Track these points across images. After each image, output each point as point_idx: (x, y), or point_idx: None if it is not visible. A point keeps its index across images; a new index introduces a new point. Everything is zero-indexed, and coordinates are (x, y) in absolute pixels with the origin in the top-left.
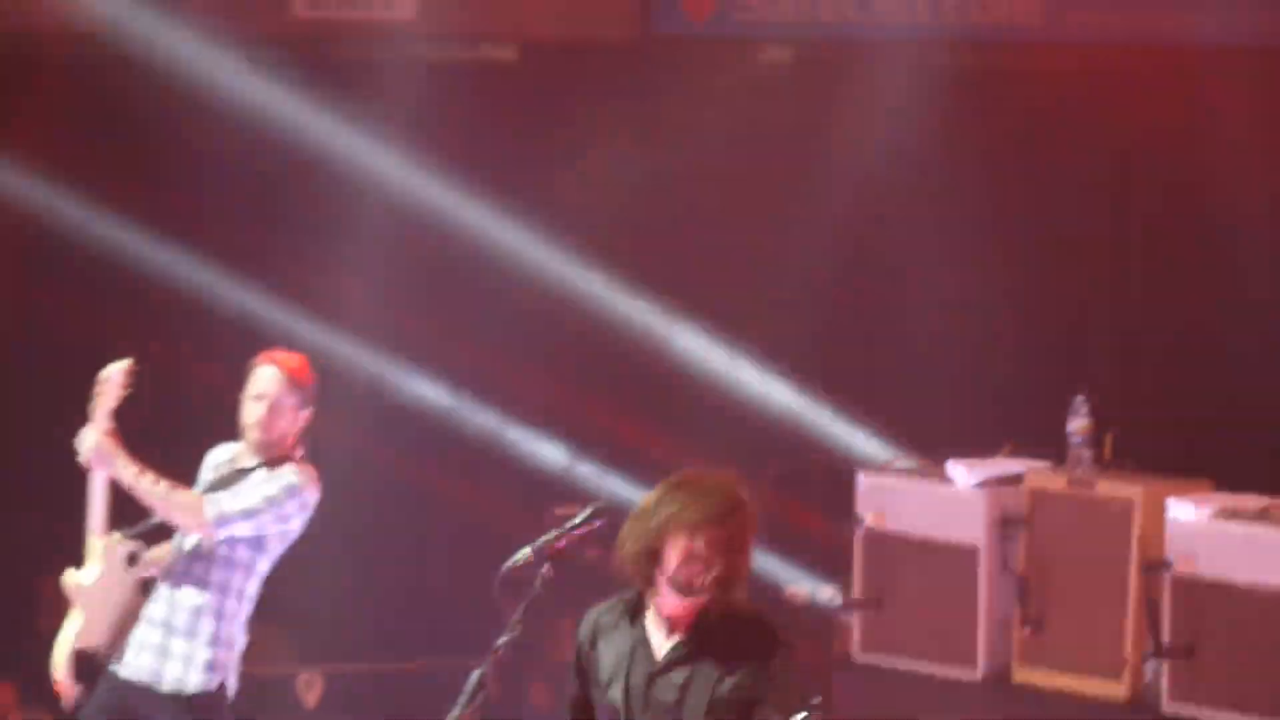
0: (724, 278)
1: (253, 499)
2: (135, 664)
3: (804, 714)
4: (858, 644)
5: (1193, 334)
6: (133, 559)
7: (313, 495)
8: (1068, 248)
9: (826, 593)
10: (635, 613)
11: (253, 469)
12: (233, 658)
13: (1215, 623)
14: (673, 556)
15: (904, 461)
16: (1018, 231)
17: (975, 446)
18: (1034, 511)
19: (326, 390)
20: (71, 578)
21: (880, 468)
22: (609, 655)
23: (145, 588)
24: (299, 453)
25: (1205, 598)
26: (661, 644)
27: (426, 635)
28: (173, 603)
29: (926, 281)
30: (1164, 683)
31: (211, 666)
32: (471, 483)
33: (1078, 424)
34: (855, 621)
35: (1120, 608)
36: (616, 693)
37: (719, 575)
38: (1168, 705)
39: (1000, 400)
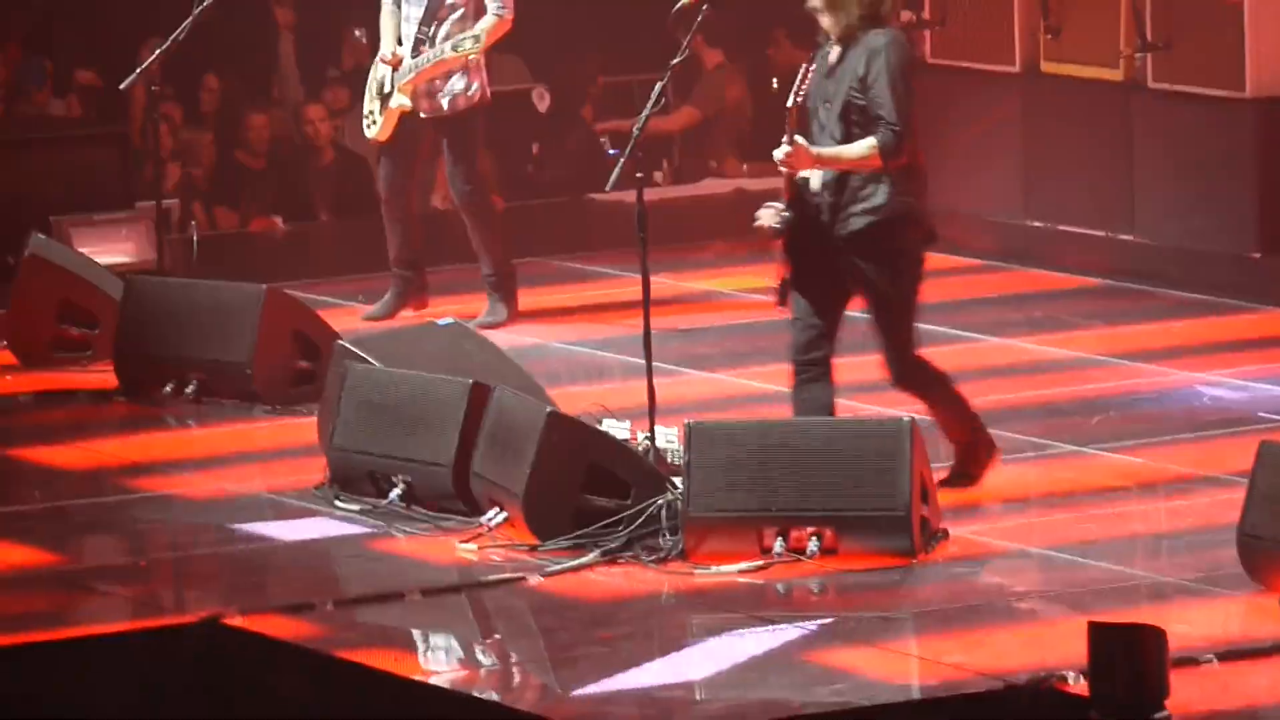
0: None
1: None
2: None
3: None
4: (929, 52)
5: None
6: None
7: None
8: None
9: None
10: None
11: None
12: None
13: (1184, 25)
14: None
15: None
16: None
17: None
18: None
19: None
20: None
21: None
22: (811, 70)
23: None
24: None
25: (1175, 5)
26: (831, 56)
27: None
28: None
29: None
30: (1149, 68)
31: None
32: None
33: None
34: (927, 36)
35: (1116, 16)
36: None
37: None
38: (1152, 83)
39: None
